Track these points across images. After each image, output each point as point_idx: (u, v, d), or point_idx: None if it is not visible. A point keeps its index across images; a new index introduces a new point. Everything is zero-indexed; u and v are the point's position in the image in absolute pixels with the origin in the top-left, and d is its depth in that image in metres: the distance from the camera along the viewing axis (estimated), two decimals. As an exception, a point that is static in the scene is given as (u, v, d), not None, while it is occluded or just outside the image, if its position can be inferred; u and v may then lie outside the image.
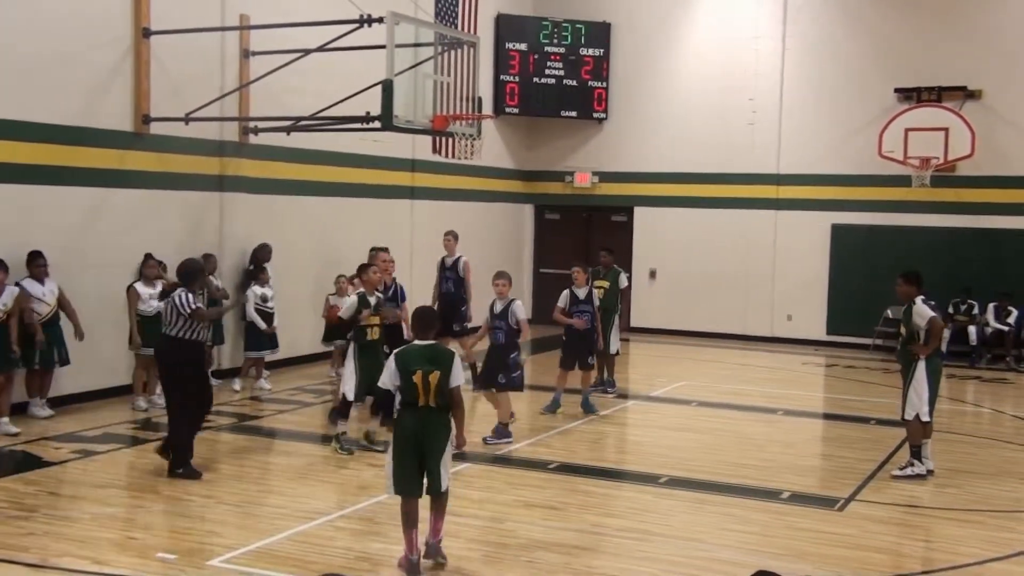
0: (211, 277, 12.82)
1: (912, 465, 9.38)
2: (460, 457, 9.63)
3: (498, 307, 10.53)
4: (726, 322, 19.24)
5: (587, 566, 6.90)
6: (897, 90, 17.87)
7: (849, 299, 18.36)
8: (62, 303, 10.92)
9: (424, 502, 6.74)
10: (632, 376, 14.93)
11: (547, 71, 19.76)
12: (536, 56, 19.68)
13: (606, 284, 13.08)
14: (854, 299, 18.22)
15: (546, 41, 19.75)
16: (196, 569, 6.57)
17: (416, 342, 6.80)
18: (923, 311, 9.23)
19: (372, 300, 9.92)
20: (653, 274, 19.59)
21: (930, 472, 9.41)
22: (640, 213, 20.14)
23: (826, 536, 7.70)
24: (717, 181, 19.35)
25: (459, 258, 13.57)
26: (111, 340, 11.72)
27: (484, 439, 10.22)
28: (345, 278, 13.76)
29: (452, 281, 13.44)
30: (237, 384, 12.85)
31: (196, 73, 12.89)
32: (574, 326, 11.61)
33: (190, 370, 8.94)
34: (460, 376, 6.67)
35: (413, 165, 17.25)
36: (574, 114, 20.05)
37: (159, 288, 11.61)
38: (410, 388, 6.54)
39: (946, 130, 16.92)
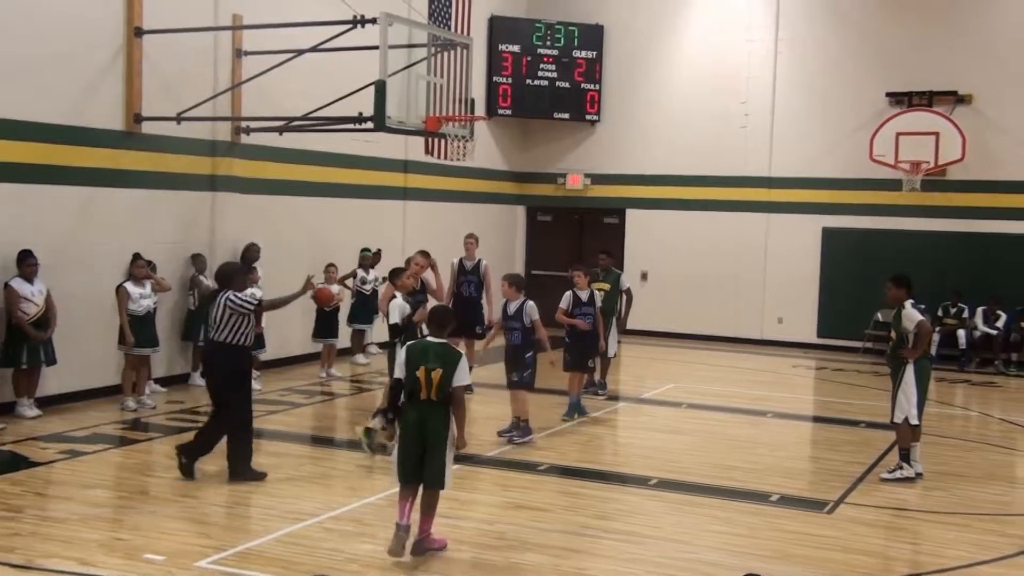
0: (202, 277, 12.83)
1: (901, 468, 9.40)
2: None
3: (512, 308, 10.64)
4: (717, 324, 19.27)
5: (576, 568, 6.90)
6: (888, 94, 17.94)
7: (839, 302, 18.41)
8: (49, 303, 10.88)
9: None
10: (622, 378, 14.94)
11: (540, 73, 19.78)
12: (529, 58, 19.69)
13: (607, 287, 13.08)
14: (844, 302, 18.27)
15: (539, 43, 19.76)
16: (183, 570, 6.56)
17: (429, 338, 7.07)
18: (912, 314, 9.26)
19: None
20: (645, 276, 19.60)
21: (919, 475, 9.44)
22: (632, 215, 20.16)
23: (814, 539, 7.72)
24: (709, 184, 19.38)
25: (480, 261, 13.50)
26: (100, 340, 11.70)
27: (511, 439, 10.40)
28: (335, 268, 13.94)
29: (473, 284, 13.30)
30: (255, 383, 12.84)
31: (188, 72, 12.86)
32: (578, 327, 11.57)
33: (241, 376, 8.78)
34: (464, 377, 6.84)
35: (406, 166, 17.24)
36: (567, 116, 20.07)
37: (148, 288, 11.60)
38: (413, 382, 6.79)
39: (937, 134, 16.99)
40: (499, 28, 19.48)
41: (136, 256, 11.63)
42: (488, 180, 19.77)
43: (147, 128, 12.34)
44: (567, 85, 19.91)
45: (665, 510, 8.43)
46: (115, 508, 8.06)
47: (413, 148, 17.10)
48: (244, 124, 13.49)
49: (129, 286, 11.42)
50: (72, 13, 11.48)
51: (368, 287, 15.08)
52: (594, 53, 19.98)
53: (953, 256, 17.50)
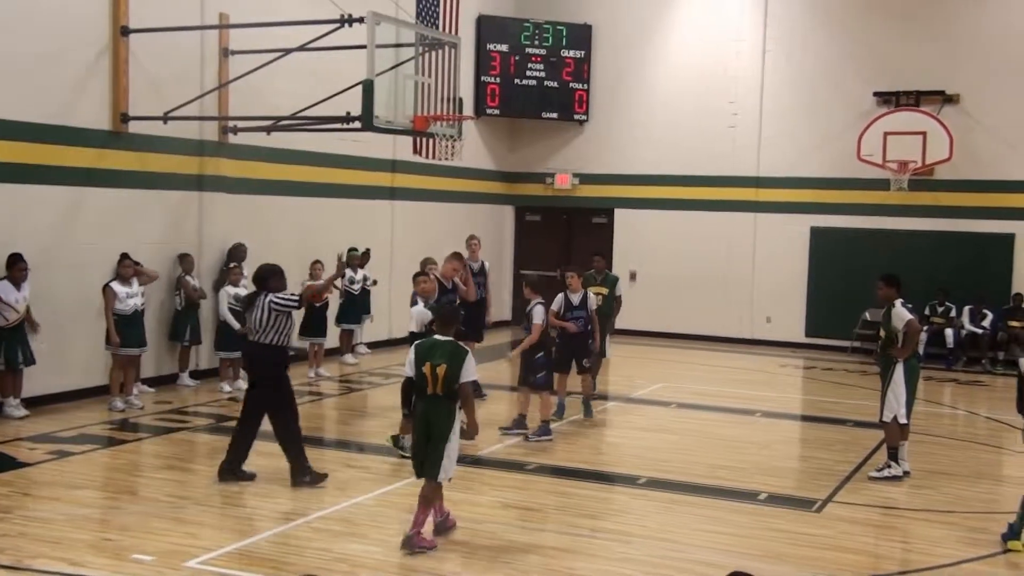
0: (188, 277, 12.78)
1: (889, 467, 9.43)
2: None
3: (527, 310, 10.79)
4: (705, 324, 19.30)
5: (566, 567, 6.90)
6: (876, 94, 18.00)
7: (827, 301, 18.46)
8: (27, 311, 10.82)
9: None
10: (611, 378, 14.94)
11: (528, 72, 19.78)
12: (517, 57, 19.69)
13: (604, 290, 13.01)
14: (832, 301, 18.33)
15: (527, 42, 19.76)
16: (173, 571, 6.53)
17: (436, 336, 7.25)
18: (902, 314, 9.29)
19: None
20: (633, 276, 19.61)
21: (906, 473, 9.48)
22: (620, 215, 20.18)
23: (803, 537, 7.74)
24: (697, 183, 19.42)
25: (484, 263, 13.51)
26: (88, 340, 11.65)
27: (527, 436, 10.54)
28: (321, 265, 13.93)
29: (482, 286, 13.19)
30: (226, 386, 12.77)
31: (175, 72, 12.82)
32: (567, 330, 11.52)
33: (286, 376, 8.70)
34: (471, 373, 7.08)
35: (393, 166, 17.22)
36: (555, 116, 20.07)
37: (136, 287, 11.55)
38: (421, 378, 7.05)
39: (924, 134, 17.06)
40: (487, 27, 19.47)
41: (124, 256, 11.57)
42: (476, 180, 19.76)
43: (134, 128, 12.29)
44: (555, 85, 19.91)
45: (654, 509, 8.44)
46: (103, 508, 8.02)
47: (401, 148, 17.08)
48: (231, 124, 13.45)
49: (115, 285, 11.37)
50: (57, 12, 11.42)
51: (356, 287, 15.06)
52: (582, 53, 20.00)
53: (940, 255, 17.57)
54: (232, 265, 13.13)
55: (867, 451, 10.44)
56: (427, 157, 17.43)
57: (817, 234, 18.66)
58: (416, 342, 7.39)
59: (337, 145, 15.27)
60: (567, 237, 20.68)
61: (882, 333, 9.57)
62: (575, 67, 19.97)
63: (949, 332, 17.05)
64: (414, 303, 10.51)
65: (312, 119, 12.67)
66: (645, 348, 18.28)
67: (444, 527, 7.40)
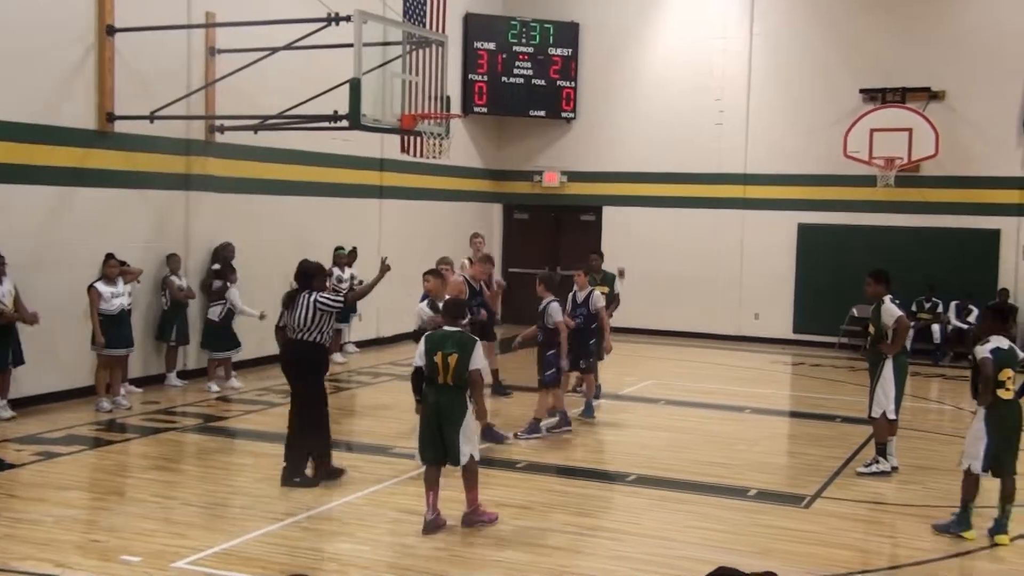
0: (174, 277, 12.73)
1: (877, 462, 9.47)
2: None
3: (540, 307, 10.70)
4: (694, 321, 19.33)
5: (558, 565, 6.90)
6: (862, 91, 18.06)
7: (815, 298, 18.52)
8: (18, 303, 10.75)
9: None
10: (601, 375, 14.93)
11: (515, 70, 19.77)
12: (504, 55, 19.68)
13: (606, 289, 12.98)
14: (820, 298, 18.38)
15: (514, 40, 19.75)
16: (161, 571, 6.51)
17: (445, 328, 7.59)
18: (891, 310, 9.32)
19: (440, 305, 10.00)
20: (622, 273, 19.56)
21: (895, 469, 9.51)
22: (608, 213, 20.20)
23: (792, 533, 7.76)
24: (685, 181, 19.45)
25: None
26: (74, 341, 11.59)
27: (515, 434, 10.53)
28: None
29: (485, 282, 13.09)
30: (214, 386, 12.76)
31: (161, 71, 12.77)
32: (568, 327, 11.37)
33: (322, 377, 8.71)
34: (479, 361, 7.40)
35: (381, 164, 17.19)
36: (543, 113, 20.07)
37: (120, 287, 11.49)
38: (432, 367, 7.34)
39: (910, 131, 17.11)
40: (474, 25, 19.46)
41: (109, 256, 11.52)
42: (464, 178, 19.74)
43: (120, 127, 12.24)
44: (543, 83, 19.91)
45: (644, 506, 8.45)
46: (91, 510, 7.99)
47: (389, 146, 17.05)
48: (218, 123, 13.40)
49: (100, 285, 11.32)
50: (42, 11, 11.36)
51: (344, 286, 15.02)
52: (569, 50, 20.00)
53: (927, 251, 17.64)
54: (218, 267, 13.10)
55: (855, 447, 10.48)
56: (415, 155, 17.41)
57: (804, 231, 18.71)
58: (427, 333, 7.70)
59: (325, 144, 15.23)
60: (555, 235, 20.68)
61: (871, 329, 9.59)
62: (562, 65, 19.97)
63: (936, 328, 17.12)
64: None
65: (300, 118, 12.63)
66: (634, 345, 18.29)
67: (435, 525, 7.45)
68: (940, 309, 17.30)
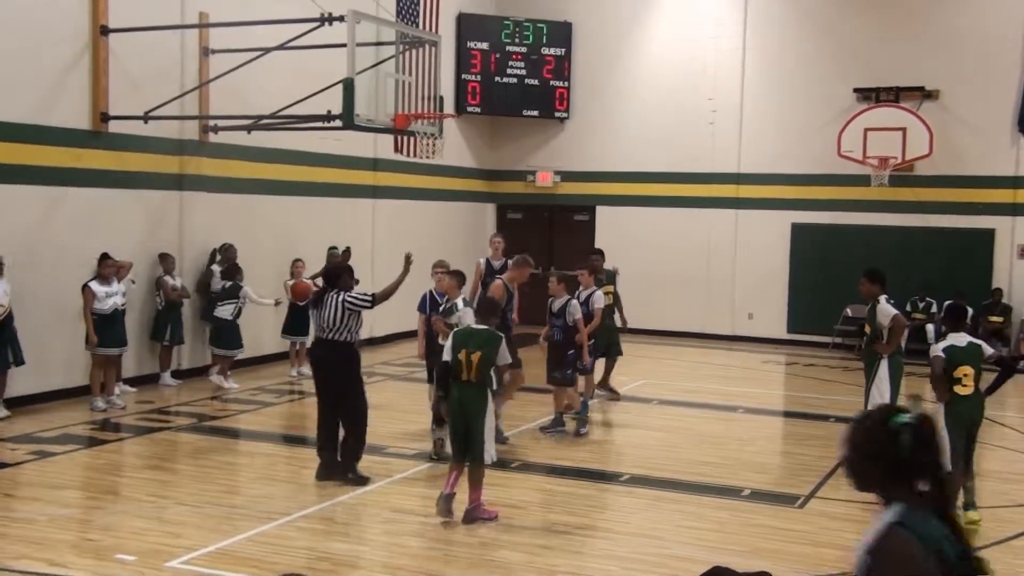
0: (168, 277, 12.73)
1: (870, 462, 9.47)
2: (424, 457, 9.64)
3: (556, 306, 10.67)
4: (687, 321, 19.36)
5: (549, 564, 6.91)
6: (856, 90, 18.09)
7: (809, 298, 18.55)
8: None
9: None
10: (594, 375, 14.95)
11: (509, 70, 19.78)
12: (498, 55, 19.68)
13: (612, 289, 12.92)
14: (814, 297, 18.41)
15: (508, 40, 19.76)
16: (155, 571, 6.51)
17: (472, 325, 7.85)
18: (887, 309, 9.34)
19: (445, 305, 9.95)
20: (616, 273, 19.61)
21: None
22: (602, 212, 20.21)
23: (785, 533, 7.78)
24: (678, 180, 19.47)
25: (507, 262, 13.09)
26: (68, 340, 11.58)
27: (540, 428, 10.63)
28: (302, 262, 13.99)
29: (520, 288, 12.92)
30: (230, 383, 12.85)
31: (155, 71, 12.76)
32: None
33: (359, 371, 8.74)
34: (505, 356, 7.69)
35: (375, 164, 17.19)
36: (536, 113, 20.08)
37: (115, 286, 11.48)
38: (456, 364, 7.54)
39: (904, 130, 17.14)
40: (467, 25, 19.46)
41: (104, 256, 11.50)
42: (458, 178, 19.75)
43: (114, 127, 12.23)
44: (536, 82, 19.92)
45: (637, 506, 8.46)
46: (85, 509, 7.99)
47: (382, 146, 17.05)
48: (212, 123, 13.39)
49: (94, 285, 11.31)
50: (36, 11, 11.35)
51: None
52: (563, 50, 20.01)
53: (921, 251, 17.68)
54: (225, 267, 13.13)
55: (848, 446, 10.47)
56: (408, 155, 17.41)
57: (798, 230, 18.74)
58: (455, 330, 7.93)
59: (318, 144, 15.23)
60: (549, 235, 20.69)
61: (867, 329, 9.61)
62: (556, 65, 19.99)
63: (930, 328, 17.15)
64: (432, 301, 10.23)
65: (293, 118, 12.63)
66: (627, 345, 18.15)
67: (475, 515, 7.64)
68: (934, 309, 17.34)
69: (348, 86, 11.10)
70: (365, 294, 8.71)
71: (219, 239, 13.50)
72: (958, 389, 7.88)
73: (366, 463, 9.01)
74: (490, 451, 7.63)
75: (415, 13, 17.58)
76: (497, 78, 19.70)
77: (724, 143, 19.10)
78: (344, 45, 11.20)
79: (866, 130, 17.33)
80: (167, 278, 12.72)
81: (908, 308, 16.97)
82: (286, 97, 12.46)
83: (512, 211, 21.16)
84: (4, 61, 11.01)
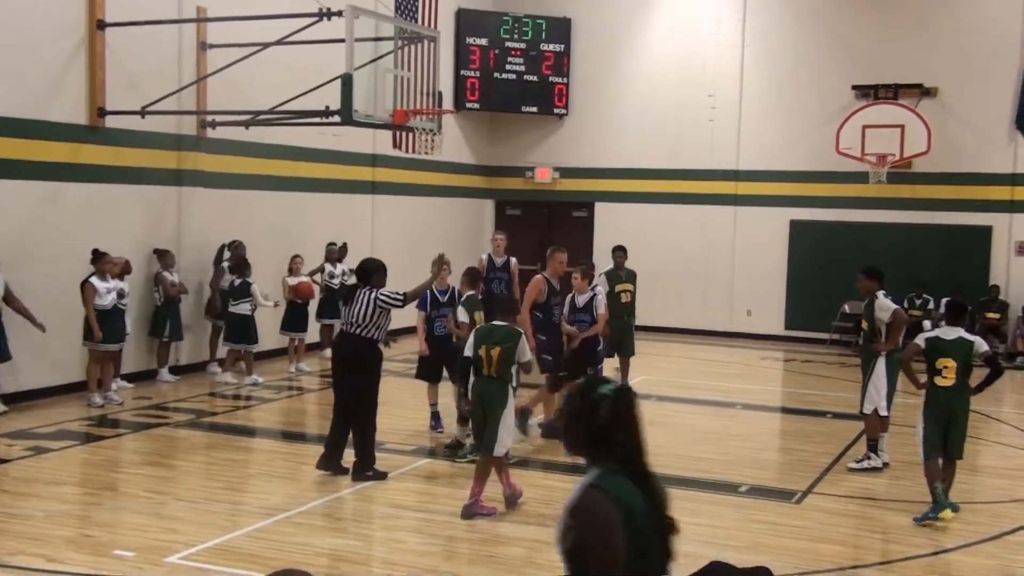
0: (166, 273, 12.71)
1: (868, 458, 9.50)
2: (423, 453, 9.64)
3: (581, 300, 10.46)
4: (686, 317, 19.35)
5: (550, 560, 6.90)
6: (855, 87, 18.08)
7: (807, 294, 18.55)
8: (8, 299, 10.72)
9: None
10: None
11: (508, 66, 19.75)
12: (497, 51, 19.66)
13: (630, 287, 12.87)
14: (812, 294, 18.41)
15: (506, 36, 19.73)
16: (153, 566, 6.50)
17: (495, 322, 7.99)
18: (886, 304, 9.35)
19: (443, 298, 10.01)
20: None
21: (886, 465, 9.54)
22: (601, 209, 20.20)
23: (784, 528, 7.78)
24: (677, 177, 19.45)
25: (509, 259, 12.99)
26: (65, 336, 11.55)
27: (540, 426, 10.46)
28: (300, 259, 14.06)
29: (504, 282, 12.76)
30: (229, 377, 12.93)
31: (152, 66, 12.73)
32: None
33: (378, 372, 8.74)
34: (525, 353, 7.83)
35: (374, 160, 17.17)
36: (535, 109, 20.06)
37: (112, 282, 11.46)
38: (478, 359, 7.69)
39: (902, 127, 17.13)
40: (466, 21, 19.43)
41: (99, 252, 11.46)
42: (456, 174, 19.73)
43: (111, 122, 12.20)
44: (535, 78, 19.90)
45: (636, 501, 8.45)
46: (83, 505, 7.98)
47: (381, 142, 17.03)
48: (210, 118, 13.37)
49: (95, 281, 11.29)
50: (32, 6, 11.33)
51: (336, 281, 14.99)
52: (562, 46, 19.99)
53: (919, 248, 17.68)
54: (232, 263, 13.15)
55: (846, 443, 10.51)
56: (407, 151, 17.38)
57: (796, 227, 18.74)
58: (478, 327, 8.19)
59: (317, 139, 15.21)
60: (548, 231, 20.66)
61: (864, 325, 9.62)
62: (555, 61, 19.96)
63: (927, 324, 17.13)
64: (433, 298, 10.18)
65: (291, 113, 12.61)
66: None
67: (514, 499, 7.85)
68: (931, 306, 17.33)
69: (346, 82, 11.08)
70: (397, 293, 8.63)
71: (217, 235, 13.48)
72: (938, 380, 8.01)
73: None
74: (505, 443, 7.70)
75: (414, 8, 17.56)
76: (496, 74, 19.68)
77: (723, 140, 19.09)
78: (343, 40, 11.17)
79: (864, 127, 17.32)
80: (165, 274, 12.70)
81: (905, 305, 16.93)
82: (284, 92, 12.44)
83: (511, 207, 21.14)
84: (1, 56, 10.98)
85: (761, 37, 18.84)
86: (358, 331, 8.55)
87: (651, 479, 3.12)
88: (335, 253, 15.14)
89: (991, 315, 17.02)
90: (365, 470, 8.62)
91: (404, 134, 16.66)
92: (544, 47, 19.90)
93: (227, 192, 14.02)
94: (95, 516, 7.63)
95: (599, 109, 20.00)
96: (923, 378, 8.19)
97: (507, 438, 7.74)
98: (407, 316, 11.10)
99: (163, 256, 12.76)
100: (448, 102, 17.50)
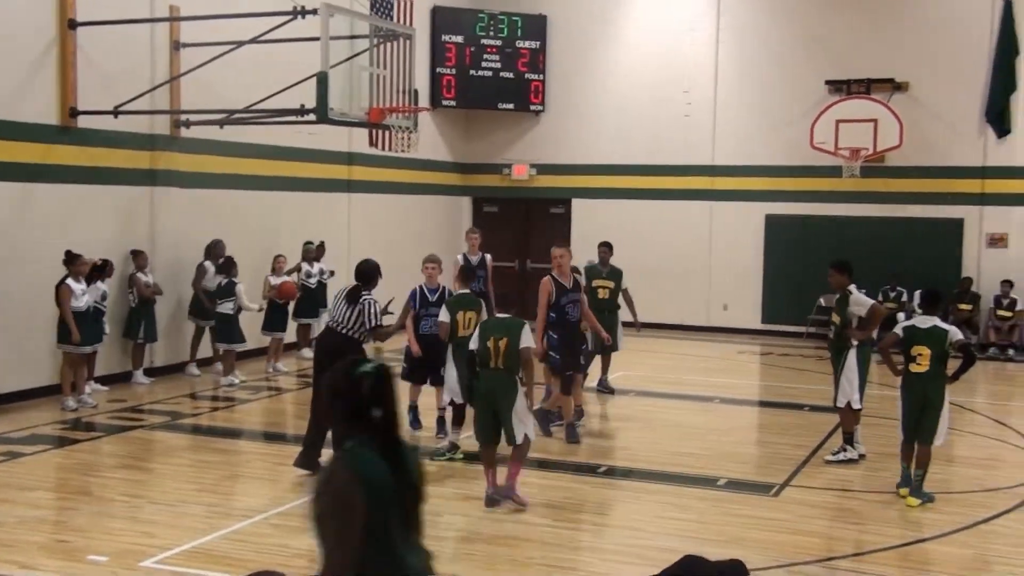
0: (140, 274, 12.61)
1: (845, 450, 9.56)
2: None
3: (569, 281, 10.31)
4: (663, 312, 19.35)
5: (528, 557, 6.92)
6: (828, 82, 18.17)
7: (783, 288, 18.64)
8: None
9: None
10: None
11: (484, 63, 19.73)
12: (472, 48, 19.63)
13: (610, 284, 12.74)
14: (788, 288, 18.50)
15: (482, 33, 19.70)
16: (128, 571, 6.46)
17: (497, 315, 8.21)
18: (862, 299, 9.41)
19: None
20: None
21: (862, 456, 9.61)
22: (578, 205, 20.22)
23: (762, 521, 7.82)
24: (653, 172, 19.50)
25: (484, 256, 12.78)
26: (38, 339, 11.45)
27: (571, 424, 10.35)
28: (283, 258, 14.02)
29: (481, 279, 12.37)
30: (233, 376, 12.96)
31: (125, 65, 12.62)
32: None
33: None
34: (528, 340, 7.92)
35: (350, 158, 17.10)
36: (511, 106, 20.05)
37: (83, 284, 11.35)
38: (485, 352, 7.81)
39: (875, 121, 17.24)
40: (442, 18, 19.39)
41: (78, 255, 11.34)
42: (433, 171, 19.70)
43: (83, 122, 12.08)
44: (511, 75, 19.88)
45: (615, 497, 8.48)
46: (57, 510, 7.91)
47: (357, 140, 16.96)
48: (184, 117, 13.28)
49: (71, 283, 11.18)
50: (1, 5, 11.19)
51: (313, 280, 14.94)
52: (538, 43, 19.98)
53: (892, 241, 17.81)
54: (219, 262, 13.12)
55: (823, 435, 10.57)
56: (383, 149, 17.27)
57: (772, 221, 18.82)
58: (483, 321, 8.33)
59: (292, 138, 15.14)
60: (525, 228, 20.68)
61: (835, 319, 9.68)
62: (531, 58, 19.95)
63: (901, 316, 17.26)
64: (423, 297, 10.13)
65: (266, 112, 12.54)
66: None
67: (495, 500, 7.91)
68: (905, 298, 17.46)
69: (322, 80, 11.04)
70: (378, 317, 8.61)
71: (192, 235, 13.39)
72: (912, 367, 8.34)
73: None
74: (520, 431, 7.83)
75: (389, 6, 17.48)
76: (472, 71, 19.65)
77: (699, 135, 19.15)
78: (318, 39, 11.12)
79: (838, 122, 17.41)
80: (140, 275, 12.60)
81: (879, 298, 17.08)
82: (259, 91, 12.37)
83: (488, 204, 21.12)
84: (-30, 56, 10.87)
85: (736, 34, 18.91)
86: (343, 330, 8.56)
87: (403, 452, 3.29)
88: (312, 252, 15.08)
89: (963, 307, 17.16)
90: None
91: (380, 132, 16.57)
92: (520, 44, 19.89)
93: (202, 192, 13.92)
94: (69, 521, 7.57)
95: (575, 106, 20.01)
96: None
97: (527, 421, 7.92)
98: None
99: (137, 257, 12.67)
100: (424, 99, 17.46)
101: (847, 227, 18.01)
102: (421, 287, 10.20)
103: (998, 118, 17.34)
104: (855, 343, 9.40)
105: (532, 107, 20.12)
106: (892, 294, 17.47)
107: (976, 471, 9.57)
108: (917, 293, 17.16)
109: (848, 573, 6.77)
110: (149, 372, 13.06)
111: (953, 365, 8.35)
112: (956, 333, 8.40)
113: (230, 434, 10.62)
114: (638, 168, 19.59)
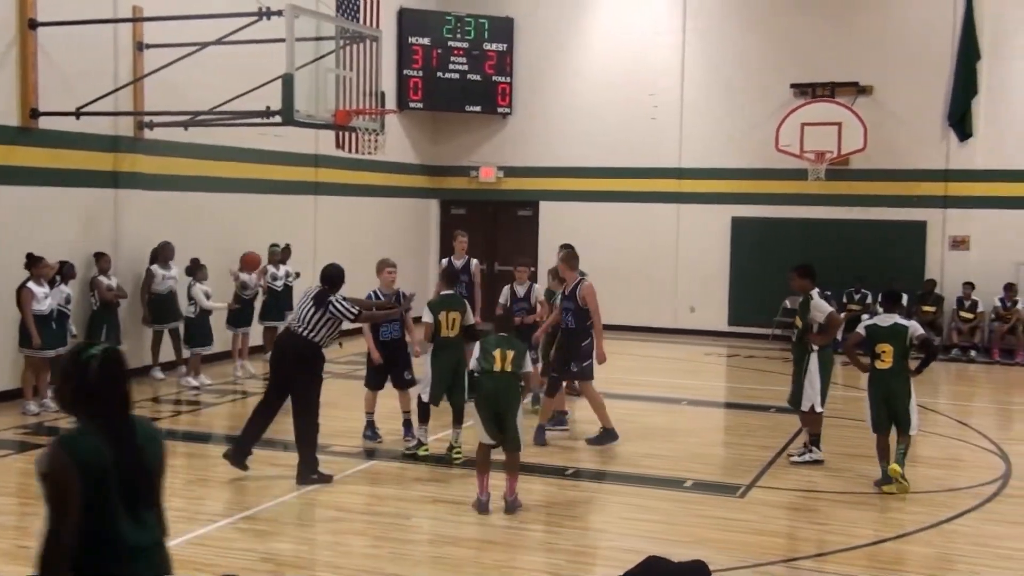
0: (102, 277, 12.46)
1: (810, 451, 9.63)
2: (369, 454, 9.59)
3: (520, 291, 10.48)
4: (630, 314, 19.44)
5: (494, 560, 6.91)
6: (793, 86, 18.34)
7: (749, 290, 18.77)
8: None
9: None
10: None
11: (451, 66, 19.71)
12: (439, 51, 19.61)
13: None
14: (754, 290, 18.63)
15: (449, 36, 19.69)
16: (91, 577, 6.37)
17: (499, 334, 8.11)
18: (821, 306, 9.49)
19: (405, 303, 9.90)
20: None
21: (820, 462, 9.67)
22: (545, 207, 20.25)
23: (728, 522, 7.86)
24: (620, 175, 19.57)
25: (470, 260, 12.66)
26: None
27: (542, 425, 10.28)
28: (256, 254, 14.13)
29: (465, 284, 12.19)
30: (192, 380, 12.88)
31: (87, 66, 12.48)
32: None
33: (320, 375, 8.71)
34: (530, 365, 8.11)
35: (316, 160, 17.02)
36: (478, 109, 20.05)
37: (47, 287, 11.21)
38: (489, 359, 7.80)
39: (839, 125, 17.41)
40: (409, 20, 19.36)
41: (39, 258, 11.20)
42: (400, 174, 19.65)
43: (44, 123, 11.93)
44: (478, 78, 19.89)
45: (582, 499, 8.49)
46: (19, 515, 7.81)
47: (324, 142, 16.90)
48: (147, 119, 13.15)
49: (33, 286, 11.03)
50: (-38, 4, 11.05)
51: (279, 283, 14.83)
52: (504, 46, 20.00)
53: (857, 243, 17.99)
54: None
55: (789, 436, 10.64)
56: (350, 151, 17.27)
57: (738, 224, 18.96)
58: (484, 337, 8.21)
59: (258, 140, 15.04)
60: (493, 230, 20.67)
61: (798, 323, 9.76)
62: (497, 60, 19.96)
63: (865, 318, 17.41)
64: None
65: (231, 114, 12.45)
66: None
67: (488, 507, 7.86)
68: (869, 300, 17.64)
69: (287, 82, 10.98)
70: (353, 307, 8.61)
71: (156, 238, 13.25)
72: (878, 364, 8.78)
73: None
74: (523, 439, 7.94)
75: (355, 8, 17.45)
76: (439, 73, 19.62)
77: (665, 138, 19.25)
78: (283, 40, 11.06)
79: (803, 125, 17.57)
80: (102, 278, 12.45)
81: (844, 300, 17.26)
82: (224, 93, 12.27)
83: (455, 207, 21.11)
84: (-71, 56, 10.70)
85: (702, 37, 19.03)
86: (304, 332, 8.51)
87: (132, 435, 3.40)
88: (278, 255, 14.98)
89: (927, 308, 17.35)
90: (310, 473, 8.55)
91: (347, 134, 16.55)
92: (487, 47, 19.90)
93: (166, 194, 13.79)
94: (32, 527, 7.45)
95: (542, 108, 20.05)
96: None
97: (523, 434, 8.01)
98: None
99: (99, 260, 12.52)
100: (391, 102, 17.41)
101: (812, 229, 18.17)
102: (377, 291, 9.96)
103: (960, 122, 17.60)
104: (815, 347, 9.48)
105: (499, 110, 20.13)
106: (857, 296, 17.64)
107: (938, 471, 9.68)
108: (881, 295, 17.47)
109: (812, 573, 6.82)
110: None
111: (917, 361, 8.79)
112: (916, 328, 8.87)
113: (195, 438, 10.52)
114: (605, 171, 19.66)
